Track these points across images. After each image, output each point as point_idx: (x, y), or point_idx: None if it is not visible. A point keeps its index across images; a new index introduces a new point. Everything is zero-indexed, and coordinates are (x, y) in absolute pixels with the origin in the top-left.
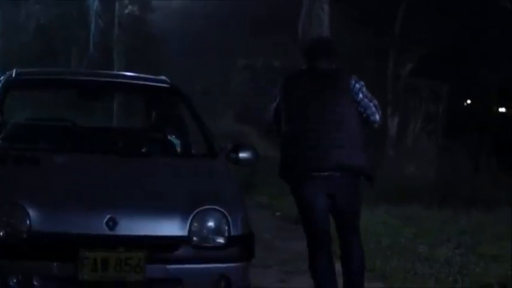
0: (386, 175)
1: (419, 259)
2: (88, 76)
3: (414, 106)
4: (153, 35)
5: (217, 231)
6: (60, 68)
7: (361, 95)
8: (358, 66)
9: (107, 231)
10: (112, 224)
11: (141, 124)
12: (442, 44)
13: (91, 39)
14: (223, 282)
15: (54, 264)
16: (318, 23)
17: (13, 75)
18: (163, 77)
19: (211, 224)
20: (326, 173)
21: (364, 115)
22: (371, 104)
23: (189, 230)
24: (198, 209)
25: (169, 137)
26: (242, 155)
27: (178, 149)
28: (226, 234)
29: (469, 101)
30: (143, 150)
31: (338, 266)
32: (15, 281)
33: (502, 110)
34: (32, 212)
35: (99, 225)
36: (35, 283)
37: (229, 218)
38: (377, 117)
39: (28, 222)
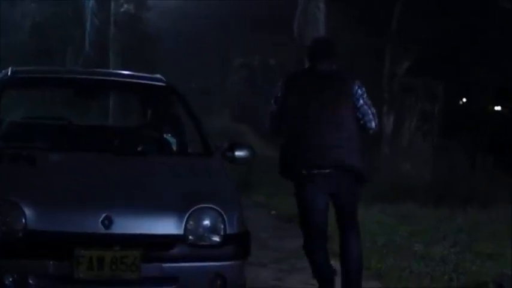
0: (382, 174)
1: (415, 258)
2: (84, 74)
3: (410, 104)
4: (149, 33)
5: (213, 229)
6: (56, 66)
7: (361, 101)
8: (353, 64)
9: (103, 230)
10: (108, 222)
11: (137, 123)
12: (439, 43)
13: (87, 37)
14: (219, 281)
15: (50, 262)
16: (314, 22)
17: (8, 73)
18: (158, 76)
19: (207, 222)
20: (326, 171)
21: (362, 121)
22: (369, 112)
23: (185, 229)
24: (194, 208)
25: (165, 136)
26: (238, 153)
27: (174, 148)
28: (222, 233)
29: (464, 100)
30: (139, 148)
31: (337, 266)
32: (10, 279)
33: (497, 108)
34: (27, 211)
35: (94, 224)
36: (31, 282)
37: (225, 216)
38: (373, 124)
39: (23, 220)
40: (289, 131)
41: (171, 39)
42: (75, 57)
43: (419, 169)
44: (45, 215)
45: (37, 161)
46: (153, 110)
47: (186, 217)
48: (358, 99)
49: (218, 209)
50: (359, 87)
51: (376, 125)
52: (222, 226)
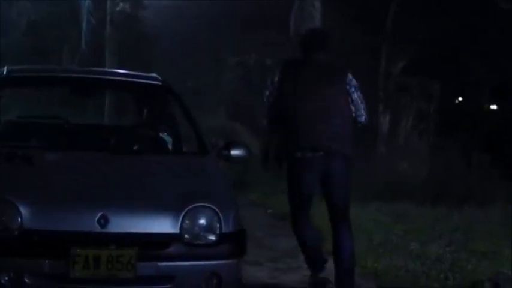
0: (378, 172)
1: (411, 256)
2: (79, 73)
3: (406, 103)
4: (145, 33)
5: (208, 228)
6: (52, 65)
7: (355, 95)
8: (349, 63)
9: (99, 229)
10: (103, 221)
11: (133, 121)
12: (435, 43)
13: (82, 36)
14: (214, 279)
15: (46, 261)
16: (310, 20)
17: (4, 72)
18: (154, 74)
19: (202, 221)
20: (320, 153)
21: (354, 115)
22: (361, 106)
23: (181, 228)
24: (190, 207)
25: (160, 135)
26: (234, 152)
27: (170, 147)
28: (217, 232)
29: (460, 99)
30: (135, 147)
31: (330, 263)
32: (6, 278)
33: (493, 107)
34: (23, 210)
35: (90, 223)
36: (27, 281)
37: (220, 215)
38: (363, 118)
39: (19, 219)
40: (284, 117)
41: (167, 38)
42: (71, 56)
43: (416, 168)
44: (41, 213)
45: (33, 160)
46: (149, 108)
47: (182, 216)
48: (352, 91)
49: (214, 207)
50: (352, 77)
51: (365, 119)
52: (218, 225)
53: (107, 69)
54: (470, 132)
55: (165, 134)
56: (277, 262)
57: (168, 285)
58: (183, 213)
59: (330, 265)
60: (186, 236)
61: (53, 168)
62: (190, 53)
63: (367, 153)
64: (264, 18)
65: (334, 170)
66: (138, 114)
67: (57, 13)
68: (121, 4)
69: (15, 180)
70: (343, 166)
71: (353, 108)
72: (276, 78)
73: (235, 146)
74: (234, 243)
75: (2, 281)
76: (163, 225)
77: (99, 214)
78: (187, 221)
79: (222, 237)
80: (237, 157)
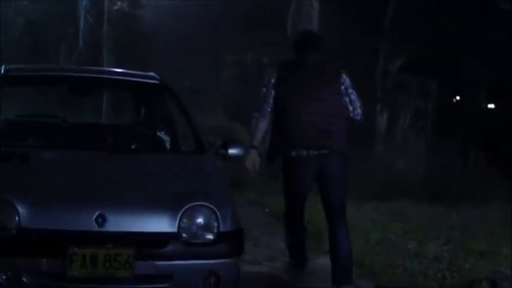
0: (376, 171)
1: (408, 255)
2: (77, 72)
3: (403, 102)
4: (143, 32)
5: (206, 227)
6: (49, 64)
7: (353, 96)
8: (347, 62)
9: (96, 228)
10: (101, 220)
11: (131, 120)
12: (433, 42)
13: (80, 35)
14: (212, 278)
15: (44, 260)
16: (308, 20)
17: (2, 71)
18: (152, 73)
19: (200, 220)
20: (315, 152)
21: (352, 114)
22: (358, 105)
23: (179, 227)
24: (188, 206)
25: (158, 134)
26: (232, 151)
27: (168, 146)
28: (215, 231)
29: (458, 98)
30: (132, 146)
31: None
32: (4, 277)
33: (490, 106)
34: (20, 209)
35: (88, 222)
36: (24, 279)
37: (218, 214)
38: (360, 117)
39: (17, 218)
40: (279, 117)
41: (165, 37)
42: (68, 55)
43: (413, 166)
44: (38, 212)
45: (30, 159)
46: (146, 107)
47: (179, 215)
48: (350, 92)
49: (212, 206)
50: (347, 77)
51: (361, 117)
52: (216, 224)
53: (104, 68)
54: (467, 131)
55: (163, 133)
56: (274, 261)
57: (166, 284)
58: (180, 212)
59: (329, 265)
60: (184, 235)
61: (50, 167)
62: (188, 53)
63: (365, 152)
64: (264, 18)
65: (331, 170)
66: (136, 113)
67: (54, 12)
68: (119, 3)
69: (13, 179)
70: (340, 165)
71: (351, 108)
72: (273, 80)
73: (233, 145)
74: (232, 242)
75: (0, 280)
76: (161, 224)
77: (97, 213)
78: (185, 220)
79: (219, 236)
80: (234, 156)
